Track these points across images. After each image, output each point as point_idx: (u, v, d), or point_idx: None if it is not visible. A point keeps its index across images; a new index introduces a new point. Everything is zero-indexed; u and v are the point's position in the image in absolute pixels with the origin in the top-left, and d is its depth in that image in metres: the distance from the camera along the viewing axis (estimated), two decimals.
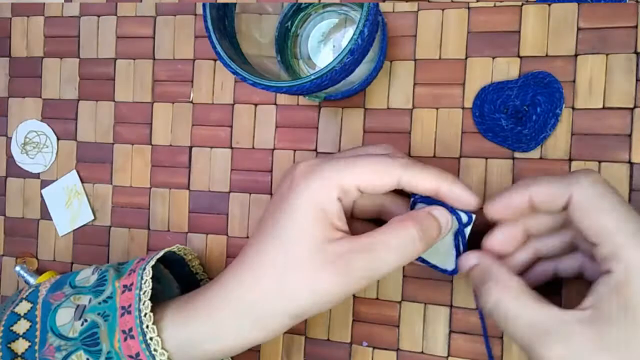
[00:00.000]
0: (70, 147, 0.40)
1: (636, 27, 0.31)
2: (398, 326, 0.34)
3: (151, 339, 0.26)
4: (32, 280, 0.39)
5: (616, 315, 0.22)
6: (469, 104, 0.33)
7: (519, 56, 0.33)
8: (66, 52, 0.41)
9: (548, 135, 0.32)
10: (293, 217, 0.26)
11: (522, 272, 0.29)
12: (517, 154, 0.33)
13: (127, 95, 0.39)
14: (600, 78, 0.31)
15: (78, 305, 0.28)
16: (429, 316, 0.34)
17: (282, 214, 0.26)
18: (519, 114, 0.32)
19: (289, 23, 0.34)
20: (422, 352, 0.34)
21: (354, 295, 0.35)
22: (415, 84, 0.34)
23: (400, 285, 0.34)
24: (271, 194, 0.37)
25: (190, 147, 0.38)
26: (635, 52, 0.31)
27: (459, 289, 0.33)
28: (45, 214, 0.41)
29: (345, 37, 0.33)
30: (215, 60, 0.38)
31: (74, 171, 0.40)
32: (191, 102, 0.38)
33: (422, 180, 0.26)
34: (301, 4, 0.33)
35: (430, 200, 0.27)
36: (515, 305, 0.25)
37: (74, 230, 0.40)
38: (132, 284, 0.28)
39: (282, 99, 0.37)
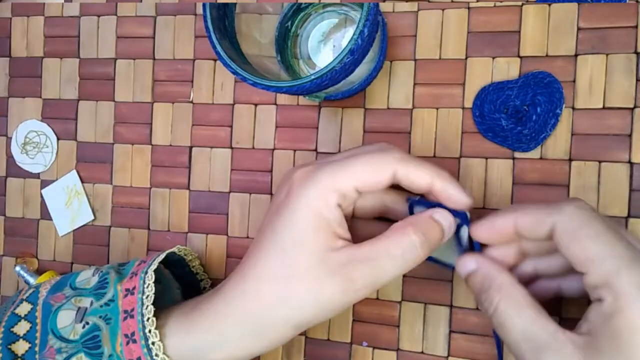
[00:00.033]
0: (70, 147, 0.40)
1: (636, 27, 0.31)
2: (398, 326, 0.34)
3: (153, 343, 0.26)
4: (32, 281, 0.39)
5: (608, 346, 0.22)
6: (469, 104, 0.33)
7: (519, 56, 0.33)
8: (66, 52, 0.41)
9: (548, 135, 0.32)
10: (293, 227, 0.25)
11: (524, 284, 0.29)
12: (517, 154, 0.33)
13: (127, 95, 0.39)
14: (600, 78, 0.31)
15: (79, 308, 0.28)
16: (429, 316, 0.34)
17: (281, 223, 0.26)
18: (519, 114, 0.32)
19: (289, 23, 0.34)
20: (422, 352, 0.34)
21: None
22: (415, 84, 0.34)
23: (400, 285, 0.34)
24: (271, 194, 0.37)
25: (190, 147, 0.38)
26: (635, 52, 0.31)
27: (459, 289, 0.33)
28: (45, 214, 0.41)
29: (345, 37, 0.33)
30: (215, 60, 0.38)
31: (74, 171, 0.40)
32: (191, 102, 0.38)
33: (417, 174, 0.26)
34: (301, 4, 0.33)
35: (428, 203, 0.27)
36: (514, 316, 0.25)
37: (74, 230, 0.40)
38: (134, 288, 0.28)
39: (282, 99, 0.37)
